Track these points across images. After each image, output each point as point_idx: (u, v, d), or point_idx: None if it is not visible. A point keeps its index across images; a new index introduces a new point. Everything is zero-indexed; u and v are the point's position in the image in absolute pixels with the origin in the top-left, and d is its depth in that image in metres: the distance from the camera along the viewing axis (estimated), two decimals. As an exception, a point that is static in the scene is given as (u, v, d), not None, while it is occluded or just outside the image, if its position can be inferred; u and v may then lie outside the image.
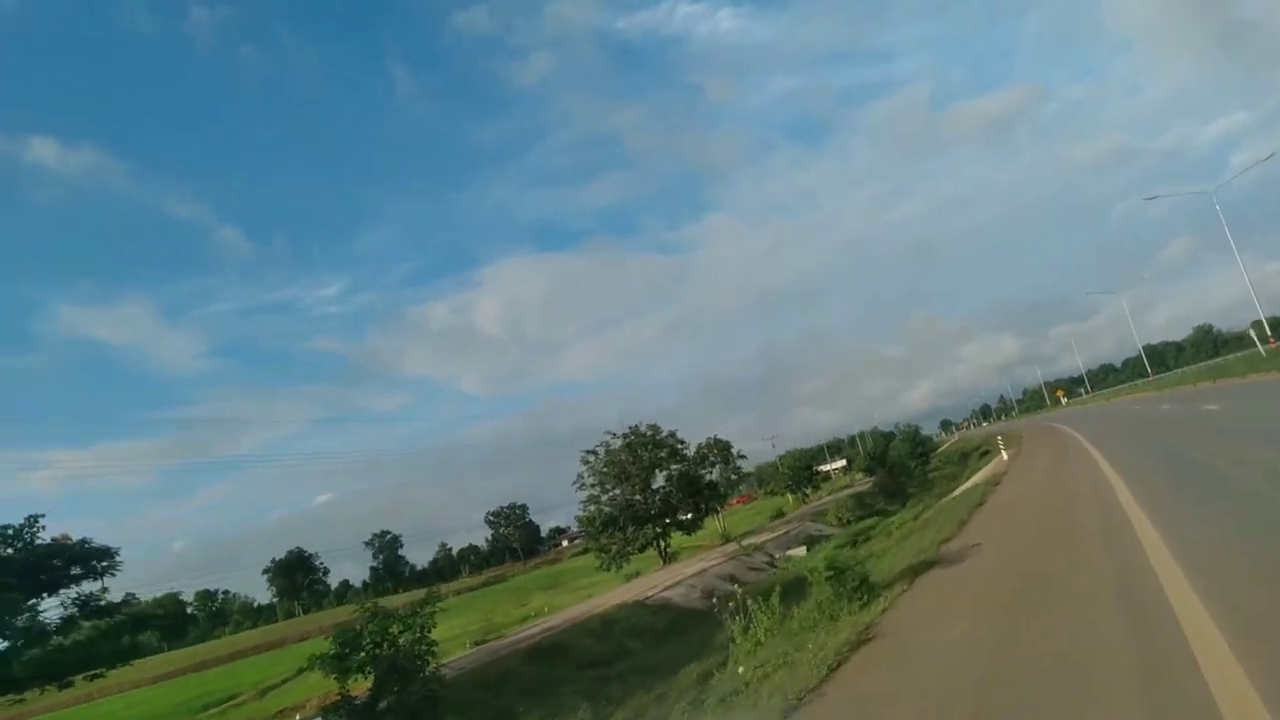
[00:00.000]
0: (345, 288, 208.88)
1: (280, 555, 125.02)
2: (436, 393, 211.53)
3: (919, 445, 57.45)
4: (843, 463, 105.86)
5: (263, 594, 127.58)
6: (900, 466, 48.47)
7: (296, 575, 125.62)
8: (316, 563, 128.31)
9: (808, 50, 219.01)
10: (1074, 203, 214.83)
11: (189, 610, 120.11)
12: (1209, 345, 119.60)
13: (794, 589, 11.29)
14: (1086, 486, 12.78)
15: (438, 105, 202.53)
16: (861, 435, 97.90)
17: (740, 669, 7.90)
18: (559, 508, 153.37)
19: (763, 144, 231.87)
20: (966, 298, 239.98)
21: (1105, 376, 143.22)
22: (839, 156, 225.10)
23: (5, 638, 18.10)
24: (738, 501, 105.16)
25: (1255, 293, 39.39)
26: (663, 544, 39.67)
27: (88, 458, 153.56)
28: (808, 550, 31.81)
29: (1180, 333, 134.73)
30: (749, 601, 9.73)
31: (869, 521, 39.15)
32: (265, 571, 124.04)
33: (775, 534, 38.41)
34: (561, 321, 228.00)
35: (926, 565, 9.91)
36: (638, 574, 35.93)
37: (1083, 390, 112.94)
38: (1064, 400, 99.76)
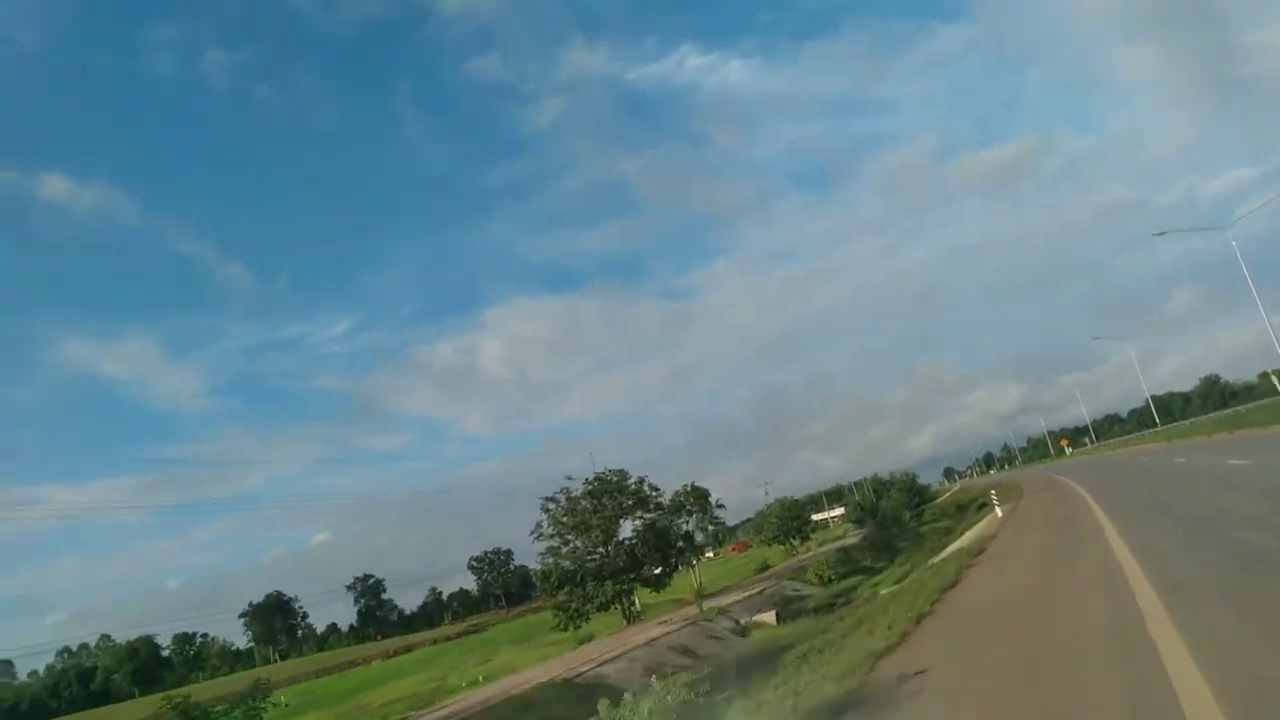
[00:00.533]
0: (350, 327, 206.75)
1: (259, 599, 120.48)
2: (437, 432, 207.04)
3: (915, 495, 53.99)
4: (840, 510, 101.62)
5: (241, 638, 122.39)
6: (892, 518, 44.92)
7: (275, 619, 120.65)
8: (295, 606, 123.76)
9: (816, 101, 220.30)
10: (1078, 254, 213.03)
11: (164, 653, 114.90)
12: (1216, 396, 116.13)
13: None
14: (1092, 571, 9.41)
15: (447, 147, 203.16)
16: (859, 483, 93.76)
17: None
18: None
19: (770, 191, 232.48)
20: (971, 345, 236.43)
21: (1110, 426, 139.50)
22: (845, 205, 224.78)
23: None
24: (733, 549, 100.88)
25: (1276, 335, 35.97)
26: (625, 602, 35.80)
27: (82, 495, 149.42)
28: (777, 615, 28.02)
29: (1186, 384, 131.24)
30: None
31: (851, 580, 35.38)
32: (242, 615, 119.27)
33: (748, 593, 34.53)
34: (564, 364, 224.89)
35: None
36: (591, 638, 32.05)
37: (1087, 440, 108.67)
38: (1069, 450, 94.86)
